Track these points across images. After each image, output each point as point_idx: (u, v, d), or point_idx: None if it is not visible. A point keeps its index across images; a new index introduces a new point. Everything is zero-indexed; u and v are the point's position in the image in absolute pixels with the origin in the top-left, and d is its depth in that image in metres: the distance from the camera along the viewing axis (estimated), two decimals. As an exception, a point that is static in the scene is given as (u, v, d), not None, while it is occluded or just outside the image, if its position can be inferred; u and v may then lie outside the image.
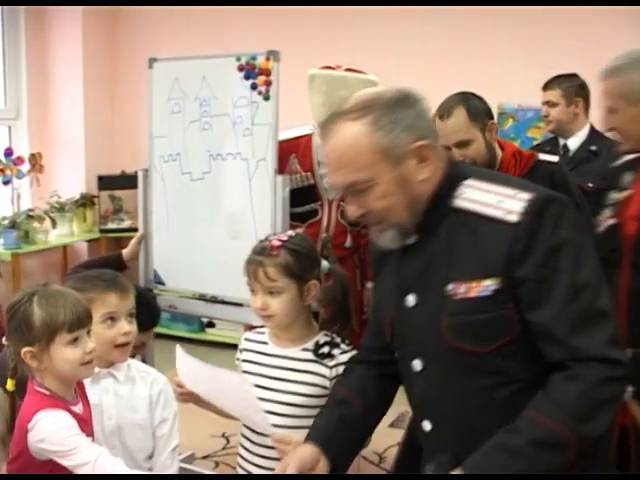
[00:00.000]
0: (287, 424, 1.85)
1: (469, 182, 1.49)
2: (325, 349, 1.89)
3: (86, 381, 1.93)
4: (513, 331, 1.40)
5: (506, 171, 2.53)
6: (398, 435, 3.75)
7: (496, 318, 1.40)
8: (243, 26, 5.01)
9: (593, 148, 3.28)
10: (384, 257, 1.62)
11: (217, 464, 3.53)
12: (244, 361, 2.00)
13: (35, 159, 5.22)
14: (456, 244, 1.45)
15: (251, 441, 1.92)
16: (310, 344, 1.91)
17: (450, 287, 1.44)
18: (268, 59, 3.03)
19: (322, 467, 1.60)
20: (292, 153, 3.15)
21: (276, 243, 1.87)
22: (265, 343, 1.97)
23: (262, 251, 1.88)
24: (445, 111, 2.52)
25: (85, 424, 1.72)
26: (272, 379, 1.92)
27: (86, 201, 5.39)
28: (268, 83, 3.04)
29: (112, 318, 1.92)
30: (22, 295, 1.71)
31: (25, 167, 5.08)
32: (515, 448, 1.33)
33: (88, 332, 1.72)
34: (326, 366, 1.88)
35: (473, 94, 2.60)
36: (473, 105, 2.53)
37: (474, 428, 1.45)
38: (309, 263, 1.91)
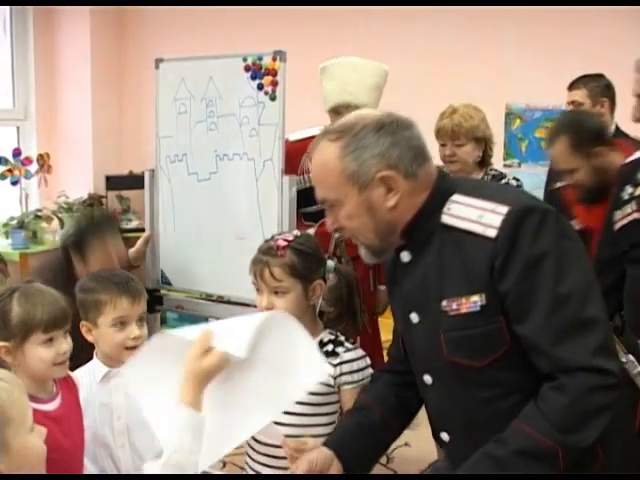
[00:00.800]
0: (293, 422, 1.85)
1: (455, 197, 1.49)
2: (329, 347, 1.89)
3: (96, 380, 1.96)
4: (505, 344, 1.41)
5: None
6: (405, 436, 3.73)
7: (487, 333, 1.42)
8: (249, 26, 5.02)
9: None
10: (392, 271, 1.64)
11: (225, 464, 3.53)
12: None
13: (43, 159, 5.24)
14: (445, 261, 1.47)
15: (257, 440, 1.92)
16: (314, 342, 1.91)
17: (444, 303, 1.46)
18: (274, 59, 3.03)
19: (335, 470, 1.61)
20: (303, 153, 3.13)
21: (282, 243, 1.87)
22: None
23: (268, 251, 1.88)
24: (549, 139, 2.55)
25: (58, 422, 1.71)
26: None
27: (94, 201, 5.41)
28: (274, 83, 3.03)
29: (122, 322, 1.93)
30: (4, 290, 1.74)
31: (33, 167, 5.10)
32: (501, 458, 1.34)
33: (65, 332, 1.74)
34: (330, 364, 1.88)
35: (586, 114, 2.60)
36: (578, 132, 2.50)
37: (488, 438, 1.45)
38: (315, 263, 1.91)
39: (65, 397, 1.79)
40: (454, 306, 1.44)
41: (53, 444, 1.62)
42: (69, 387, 1.84)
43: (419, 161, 1.50)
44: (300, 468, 1.58)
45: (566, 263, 1.38)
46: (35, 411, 1.64)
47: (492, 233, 1.39)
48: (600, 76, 3.51)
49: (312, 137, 3.16)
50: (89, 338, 1.98)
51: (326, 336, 1.93)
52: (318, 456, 1.61)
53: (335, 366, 1.88)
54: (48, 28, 5.45)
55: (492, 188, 1.59)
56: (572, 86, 3.53)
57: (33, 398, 1.68)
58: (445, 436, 1.59)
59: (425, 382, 1.57)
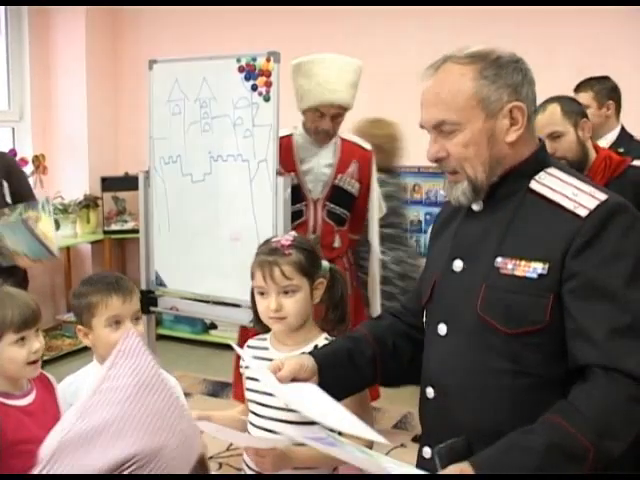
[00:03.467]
0: (286, 430, 1.84)
1: (551, 170, 1.50)
2: None
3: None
4: (542, 322, 1.39)
5: (595, 174, 2.57)
6: (402, 436, 3.75)
7: (531, 303, 1.39)
8: (243, 27, 5.01)
9: (620, 150, 3.22)
10: (447, 222, 1.64)
11: (221, 465, 3.53)
12: (247, 368, 1.99)
13: (39, 160, 5.23)
14: (518, 221, 1.46)
15: (280, 420, 1.89)
16: (309, 348, 1.87)
17: (499, 260, 1.45)
18: (268, 60, 3.03)
19: (312, 382, 1.58)
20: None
21: (286, 242, 1.86)
22: (266, 349, 1.96)
23: (274, 251, 1.85)
24: (540, 106, 2.62)
25: (32, 416, 1.78)
26: None
27: (89, 202, 5.39)
28: (268, 84, 3.04)
29: (117, 322, 1.92)
30: None
31: (29, 168, 5.08)
32: (535, 450, 1.28)
33: (37, 331, 1.81)
34: None
35: (569, 97, 2.71)
36: (567, 103, 2.65)
37: (473, 406, 1.45)
38: (316, 261, 1.90)
39: (39, 394, 1.85)
40: (509, 266, 1.43)
41: (29, 435, 1.68)
42: (45, 386, 1.89)
43: (534, 110, 1.52)
44: (287, 365, 1.55)
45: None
46: (9, 406, 1.75)
47: (583, 212, 1.38)
48: (606, 78, 3.51)
49: (280, 138, 3.13)
50: (86, 342, 1.98)
51: (322, 341, 1.89)
52: (308, 364, 1.58)
53: None
54: (43, 29, 5.43)
55: (586, 178, 1.57)
56: (578, 88, 3.52)
57: (6, 395, 1.78)
58: (430, 392, 1.55)
59: (438, 332, 1.54)
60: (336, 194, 3.19)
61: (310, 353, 1.65)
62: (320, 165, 3.18)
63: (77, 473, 1.22)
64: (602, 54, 4.19)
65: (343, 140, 3.23)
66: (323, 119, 3.05)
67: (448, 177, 1.53)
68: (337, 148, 3.21)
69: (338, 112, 3.06)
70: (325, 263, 1.96)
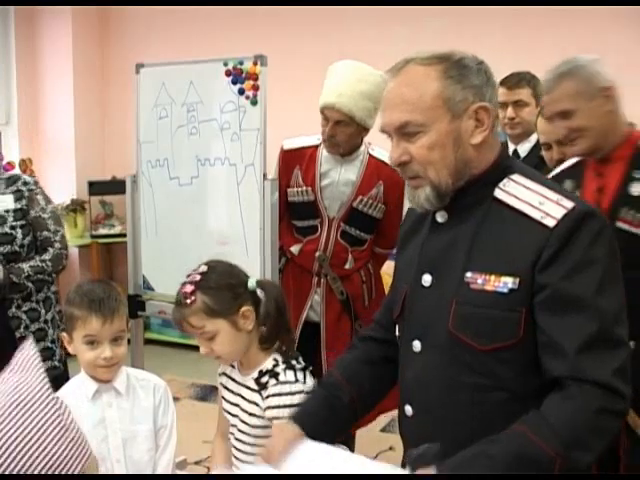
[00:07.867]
0: (245, 450, 1.86)
1: (515, 177, 1.46)
2: (264, 379, 1.82)
3: (88, 397, 1.93)
4: (516, 337, 1.37)
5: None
6: (390, 440, 3.75)
7: (503, 318, 1.37)
8: (230, 31, 5.01)
9: (542, 154, 2.86)
10: (413, 232, 1.61)
11: (209, 470, 3.52)
12: (221, 384, 1.99)
13: (25, 165, 5.22)
14: (484, 233, 1.43)
15: (242, 441, 1.90)
16: (256, 373, 1.86)
17: (468, 275, 1.41)
18: (255, 63, 3.02)
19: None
20: (296, 164, 3.03)
21: (189, 289, 1.79)
22: (233, 367, 1.95)
23: (179, 303, 1.81)
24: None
25: None
26: (233, 405, 1.92)
27: (77, 207, 5.38)
28: (255, 88, 3.02)
29: (93, 342, 1.88)
30: None
31: (15, 172, 5.06)
32: (494, 457, 1.28)
33: None
34: (262, 397, 1.83)
35: None
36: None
37: (451, 422, 1.44)
38: (231, 294, 1.82)
39: None
40: (479, 281, 1.40)
41: None
42: None
43: (496, 115, 1.48)
44: (277, 449, 1.51)
45: (610, 279, 1.36)
46: None
47: (551, 223, 1.36)
48: (530, 73, 3.28)
49: (306, 147, 3.05)
50: (69, 349, 1.96)
51: (267, 364, 1.85)
52: (294, 436, 1.54)
53: (264, 399, 1.82)
54: (30, 33, 5.42)
55: (553, 182, 1.55)
56: (517, 84, 3.23)
57: None
58: (409, 409, 1.53)
59: (412, 349, 1.51)
60: (354, 217, 2.97)
61: (291, 419, 1.61)
62: (340, 182, 2.97)
63: None
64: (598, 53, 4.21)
65: (371, 157, 2.99)
66: (327, 124, 2.87)
67: (409, 182, 1.49)
68: (362, 165, 2.98)
69: (341, 119, 2.81)
70: (252, 282, 1.87)
